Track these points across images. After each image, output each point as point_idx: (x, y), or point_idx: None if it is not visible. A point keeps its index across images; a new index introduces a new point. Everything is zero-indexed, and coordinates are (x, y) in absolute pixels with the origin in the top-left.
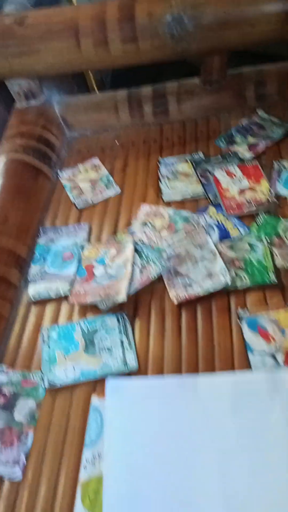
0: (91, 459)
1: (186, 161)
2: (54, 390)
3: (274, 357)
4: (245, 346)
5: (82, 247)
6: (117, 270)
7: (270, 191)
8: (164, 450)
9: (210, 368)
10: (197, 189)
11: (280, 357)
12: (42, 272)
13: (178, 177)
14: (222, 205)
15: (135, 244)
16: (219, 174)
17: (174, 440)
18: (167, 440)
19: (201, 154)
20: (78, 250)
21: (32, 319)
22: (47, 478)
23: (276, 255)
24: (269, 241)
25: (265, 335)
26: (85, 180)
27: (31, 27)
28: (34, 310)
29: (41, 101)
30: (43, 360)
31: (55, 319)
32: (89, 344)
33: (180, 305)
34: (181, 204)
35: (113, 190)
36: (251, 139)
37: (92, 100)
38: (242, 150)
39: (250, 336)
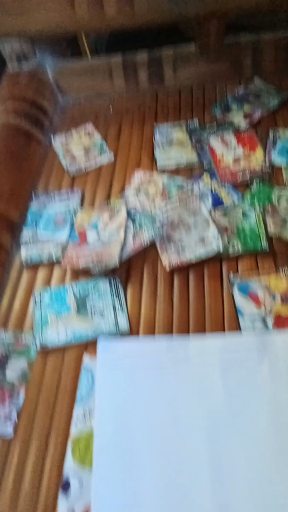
0: (82, 416)
1: (181, 128)
2: (45, 351)
3: (264, 321)
4: (235, 311)
5: (75, 213)
6: (110, 236)
7: (264, 160)
8: (153, 409)
9: (201, 331)
10: (192, 157)
11: (270, 321)
12: (34, 237)
13: (172, 145)
14: (217, 173)
15: (128, 210)
16: (214, 142)
17: (163, 401)
18: (156, 401)
19: (196, 122)
20: (71, 215)
21: (24, 283)
22: (38, 435)
23: (269, 223)
24: (262, 209)
25: (255, 300)
26: (78, 147)
27: None
28: (26, 274)
29: (33, 65)
30: (35, 322)
31: (47, 283)
32: (81, 307)
33: (172, 271)
34: (175, 171)
35: (107, 157)
36: (247, 108)
37: (86, 65)
38: (238, 119)
39: (241, 300)
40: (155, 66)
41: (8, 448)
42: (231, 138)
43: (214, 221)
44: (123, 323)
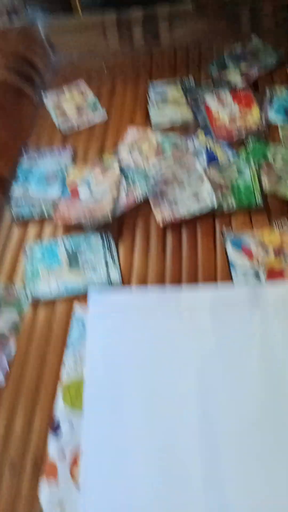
0: (73, 363)
1: (176, 86)
2: (37, 303)
3: (256, 274)
4: (228, 265)
5: (67, 169)
6: (103, 192)
7: (261, 117)
8: (143, 357)
9: (193, 284)
10: (187, 115)
11: (262, 274)
12: (25, 193)
13: (167, 103)
14: (212, 131)
15: (121, 167)
16: (210, 100)
17: (154, 349)
18: (147, 349)
19: (192, 80)
20: (62, 172)
21: (15, 238)
22: (29, 382)
23: (264, 180)
24: (257, 166)
25: (248, 254)
26: (71, 105)
27: None
28: (17, 230)
29: (24, 21)
30: (26, 276)
31: (38, 238)
32: (73, 261)
33: (165, 227)
34: (170, 129)
35: (100, 115)
36: (243, 67)
37: (79, 22)
38: (234, 77)
39: (233, 255)
40: (150, 24)
41: None
42: (227, 96)
43: (208, 178)
44: (115, 277)
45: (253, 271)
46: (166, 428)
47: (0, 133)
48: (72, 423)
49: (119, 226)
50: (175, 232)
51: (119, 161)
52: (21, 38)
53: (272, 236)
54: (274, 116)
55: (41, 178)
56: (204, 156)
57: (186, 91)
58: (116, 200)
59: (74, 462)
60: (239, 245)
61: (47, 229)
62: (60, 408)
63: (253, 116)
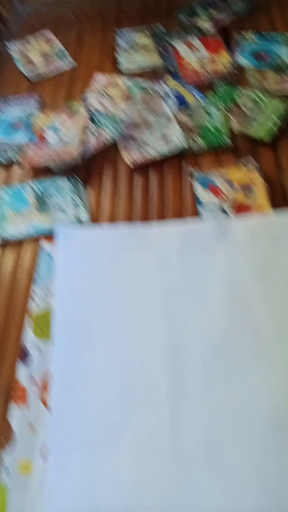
0: (42, 295)
1: (145, 33)
2: (6, 244)
3: (223, 210)
4: (196, 203)
5: (33, 115)
6: (71, 136)
7: (230, 61)
8: (112, 287)
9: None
10: (156, 60)
11: (228, 210)
12: None
13: (136, 50)
14: (181, 75)
15: (90, 112)
16: (179, 46)
17: (122, 280)
18: (115, 280)
19: (161, 27)
20: (29, 119)
21: None
22: None
23: (232, 121)
24: (226, 108)
25: (215, 191)
26: (37, 53)
27: None
28: None
29: None
30: None
31: (6, 183)
32: (42, 204)
33: (134, 169)
34: (139, 75)
35: (67, 63)
36: (213, 13)
37: None
38: (204, 24)
39: (201, 193)
40: None
41: None
42: (196, 42)
43: (177, 120)
44: (84, 217)
45: (220, 208)
46: (134, 352)
47: None
48: (42, 351)
49: (88, 169)
50: (143, 173)
51: (87, 107)
52: None
53: (238, 173)
54: (243, 60)
55: (8, 125)
56: (174, 100)
57: (155, 37)
58: (84, 143)
59: (44, 387)
60: (206, 183)
61: (15, 174)
62: (30, 338)
63: (223, 61)
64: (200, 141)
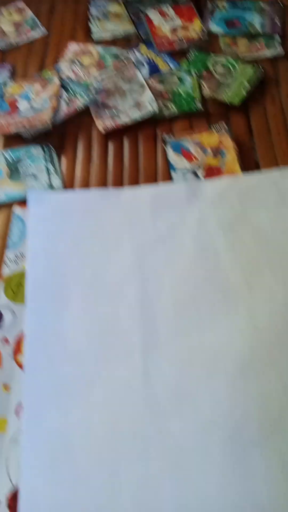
0: (14, 258)
1: (118, 1)
2: None
3: (195, 173)
4: (168, 167)
5: (5, 84)
6: (42, 104)
7: (202, 29)
8: (84, 249)
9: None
10: (129, 28)
11: (201, 173)
12: None
13: (109, 18)
14: (154, 43)
15: (62, 80)
16: (152, 13)
17: (94, 241)
18: (87, 241)
19: None
20: (1, 88)
21: None
22: None
23: (204, 87)
24: (198, 74)
25: (188, 156)
26: (8, 23)
27: None
28: None
29: None
30: None
31: None
32: (14, 171)
33: (108, 136)
34: (111, 43)
35: (39, 31)
36: None
37: None
38: None
39: (174, 157)
40: None
41: None
42: (169, 10)
43: (149, 86)
44: (57, 183)
45: (192, 172)
46: (107, 307)
47: None
48: (15, 313)
49: (61, 137)
50: (117, 139)
51: (60, 74)
52: None
53: (210, 137)
54: (215, 27)
55: None
56: (146, 67)
57: (128, 5)
58: (56, 109)
59: (18, 349)
60: (178, 148)
61: None
62: (2, 301)
63: (195, 28)
64: (171, 106)
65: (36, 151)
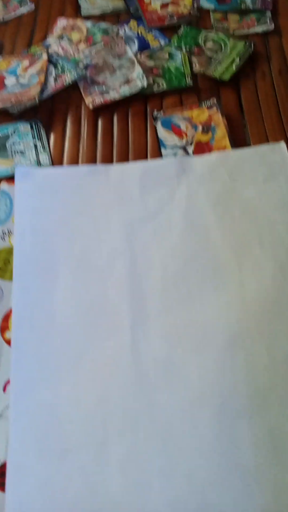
0: (1, 235)
1: None
2: None
3: (185, 149)
4: (158, 144)
5: None
6: (30, 79)
7: (193, 4)
8: (73, 223)
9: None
10: (118, 3)
11: (190, 149)
12: None
13: None
14: (144, 18)
15: (50, 56)
16: None
17: (83, 216)
18: (75, 216)
19: None
20: None
21: None
22: None
23: (194, 63)
24: (188, 50)
25: (178, 132)
26: None
27: None
28: None
29: None
30: None
31: None
32: (1, 148)
33: (97, 112)
34: (101, 18)
35: (27, 7)
36: None
37: None
38: None
39: (163, 134)
40: None
41: None
42: None
43: (139, 62)
44: (45, 160)
45: (182, 147)
46: (96, 282)
47: None
48: (2, 290)
49: (50, 113)
50: (106, 115)
51: (48, 50)
52: None
53: (200, 113)
54: (206, 3)
55: None
56: (136, 42)
57: None
58: (43, 85)
59: (5, 325)
60: (168, 124)
61: None
62: None
63: (185, 3)
64: (161, 82)
65: (24, 128)
